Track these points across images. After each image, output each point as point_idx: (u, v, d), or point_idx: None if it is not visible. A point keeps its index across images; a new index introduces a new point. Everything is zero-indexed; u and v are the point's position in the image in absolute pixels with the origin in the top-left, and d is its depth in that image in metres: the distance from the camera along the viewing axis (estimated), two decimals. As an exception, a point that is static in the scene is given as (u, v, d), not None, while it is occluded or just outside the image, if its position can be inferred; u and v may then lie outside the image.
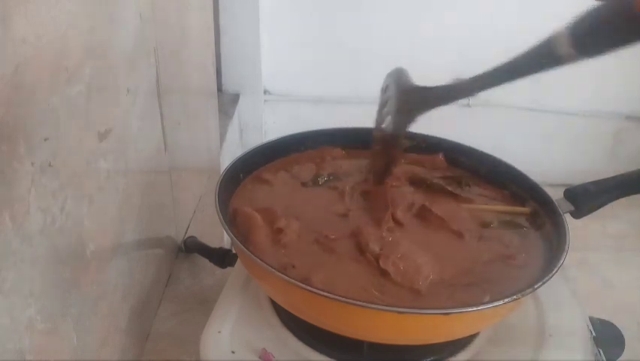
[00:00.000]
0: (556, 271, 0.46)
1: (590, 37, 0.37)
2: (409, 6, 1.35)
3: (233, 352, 0.50)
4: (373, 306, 0.42)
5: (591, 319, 0.58)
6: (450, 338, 0.50)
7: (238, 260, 0.62)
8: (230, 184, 0.58)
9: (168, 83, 0.69)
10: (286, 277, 0.44)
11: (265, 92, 1.46)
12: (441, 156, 0.66)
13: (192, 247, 0.80)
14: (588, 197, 0.58)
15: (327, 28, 1.39)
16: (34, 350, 0.38)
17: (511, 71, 0.45)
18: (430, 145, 0.67)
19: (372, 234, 0.51)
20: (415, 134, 0.68)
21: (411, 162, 0.66)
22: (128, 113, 0.56)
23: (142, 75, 0.60)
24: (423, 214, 0.56)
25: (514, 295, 0.44)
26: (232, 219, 0.54)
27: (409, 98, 0.51)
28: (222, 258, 0.75)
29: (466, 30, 1.37)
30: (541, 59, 0.40)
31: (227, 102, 1.35)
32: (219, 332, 0.52)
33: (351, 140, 0.68)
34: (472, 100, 1.46)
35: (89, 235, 0.47)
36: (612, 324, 0.62)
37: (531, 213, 0.58)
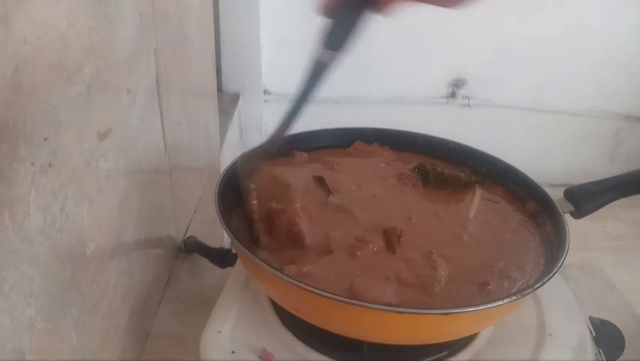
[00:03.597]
0: (557, 271, 0.46)
1: (333, 35, 0.48)
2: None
3: (233, 352, 0.50)
4: (373, 306, 0.42)
5: (591, 319, 0.58)
6: (450, 338, 0.50)
7: (238, 260, 0.62)
8: (231, 184, 0.58)
9: (168, 83, 0.69)
10: (286, 277, 0.44)
11: (265, 92, 1.46)
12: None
13: (192, 247, 0.80)
14: (588, 197, 0.58)
15: (327, 28, 1.39)
16: (34, 350, 0.38)
17: (304, 94, 0.53)
18: (430, 145, 0.67)
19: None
20: (416, 134, 0.68)
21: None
22: (128, 113, 0.56)
23: (142, 75, 0.60)
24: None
25: (514, 295, 0.44)
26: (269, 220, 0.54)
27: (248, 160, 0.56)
28: (222, 258, 0.75)
29: (467, 31, 1.37)
30: (316, 73, 0.51)
31: (227, 102, 1.35)
32: (219, 332, 0.52)
33: (351, 140, 0.68)
34: (471, 100, 1.47)
35: (89, 235, 0.47)
36: (612, 324, 0.62)
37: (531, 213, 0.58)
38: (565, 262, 0.48)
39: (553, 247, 0.52)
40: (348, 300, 0.42)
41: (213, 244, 0.78)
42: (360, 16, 0.46)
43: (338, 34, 0.47)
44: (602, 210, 0.59)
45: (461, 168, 0.65)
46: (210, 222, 0.87)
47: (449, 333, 0.48)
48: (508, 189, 0.62)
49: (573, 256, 0.50)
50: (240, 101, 1.40)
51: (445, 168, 0.64)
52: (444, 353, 0.51)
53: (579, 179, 0.63)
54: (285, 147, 0.65)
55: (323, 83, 0.51)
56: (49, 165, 0.38)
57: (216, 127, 1.07)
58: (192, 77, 0.87)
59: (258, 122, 1.47)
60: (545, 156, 1.52)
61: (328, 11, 0.46)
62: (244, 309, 0.55)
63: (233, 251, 0.74)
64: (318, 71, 0.50)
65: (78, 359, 0.46)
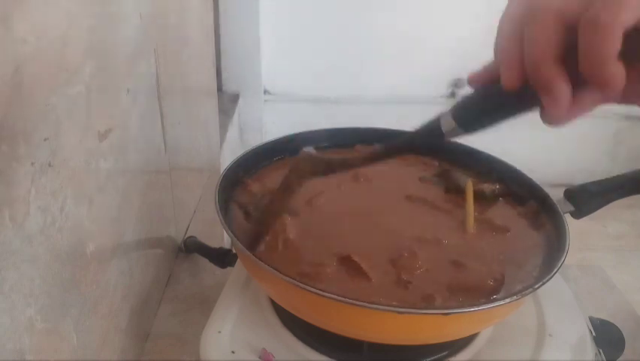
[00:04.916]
0: (557, 271, 0.46)
1: (471, 118, 0.41)
2: (410, 6, 1.35)
3: (233, 352, 0.50)
4: (373, 306, 0.42)
5: (591, 319, 0.58)
6: (450, 338, 0.50)
7: (238, 260, 0.62)
8: (231, 184, 0.58)
9: (168, 83, 0.69)
10: (286, 277, 0.44)
11: (265, 92, 1.46)
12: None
13: (192, 247, 0.80)
14: (588, 197, 0.58)
15: (327, 29, 1.39)
16: (34, 349, 0.38)
17: (402, 147, 0.49)
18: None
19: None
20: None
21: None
22: (128, 113, 0.56)
23: (142, 75, 0.60)
24: None
25: (514, 295, 0.44)
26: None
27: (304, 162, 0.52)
28: (222, 258, 0.75)
29: (466, 31, 1.37)
30: (430, 136, 0.44)
31: (227, 102, 1.35)
32: (219, 332, 0.52)
33: (351, 140, 0.68)
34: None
35: (89, 235, 0.47)
36: (612, 324, 0.62)
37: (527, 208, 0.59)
38: (565, 262, 0.47)
39: (553, 247, 0.52)
40: (348, 300, 0.42)
41: (213, 244, 0.78)
42: (508, 110, 0.38)
43: (475, 115, 0.40)
44: (602, 210, 0.58)
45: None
46: (210, 222, 0.87)
47: (449, 333, 0.48)
48: (509, 189, 0.62)
49: (573, 256, 0.50)
50: (240, 101, 1.40)
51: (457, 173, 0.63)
52: (444, 353, 0.51)
53: (579, 179, 0.63)
54: (284, 147, 0.65)
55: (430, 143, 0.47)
56: (49, 165, 0.38)
57: (216, 127, 1.07)
58: (192, 77, 0.87)
59: (257, 122, 1.47)
60: (545, 156, 1.52)
61: (474, 84, 0.40)
62: (244, 309, 0.55)
63: (233, 251, 0.74)
64: (433, 135, 0.42)
65: (78, 359, 0.46)
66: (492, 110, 0.39)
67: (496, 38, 0.38)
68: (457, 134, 0.41)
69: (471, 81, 0.41)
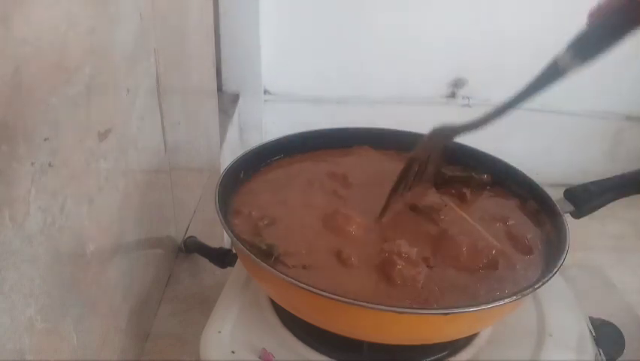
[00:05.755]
0: (557, 271, 0.46)
1: (588, 44, 0.46)
2: (410, 6, 1.35)
3: (233, 352, 0.50)
4: (373, 306, 0.42)
5: (591, 319, 0.58)
6: (450, 338, 0.50)
7: (238, 260, 0.62)
8: (230, 184, 0.58)
9: (168, 83, 0.69)
10: (286, 277, 0.44)
11: (265, 92, 1.46)
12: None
13: (192, 247, 0.80)
14: (588, 197, 0.58)
15: (327, 29, 1.39)
16: (34, 349, 0.38)
17: (525, 94, 0.53)
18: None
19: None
20: (416, 134, 0.68)
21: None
22: (128, 113, 0.56)
23: (142, 75, 0.60)
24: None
25: (514, 295, 0.44)
26: None
27: (437, 130, 0.58)
28: (222, 258, 0.75)
29: (467, 31, 1.37)
30: (547, 77, 0.49)
31: (227, 102, 1.35)
32: (219, 332, 0.52)
33: (351, 140, 0.68)
34: (471, 100, 1.47)
35: (89, 235, 0.47)
36: (612, 324, 0.62)
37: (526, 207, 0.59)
38: (565, 262, 0.48)
39: (553, 247, 0.52)
40: (348, 300, 0.42)
41: (213, 244, 0.78)
42: (625, 32, 0.45)
43: (594, 44, 0.46)
44: (601, 210, 0.58)
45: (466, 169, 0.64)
46: (210, 222, 0.87)
47: (449, 333, 0.48)
48: (509, 189, 0.62)
49: (573, 256, 0.50)
50: (240, 101, 1.40)
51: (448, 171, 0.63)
52: (444, 353, 0.51)
53: (579, 179, 0.63)
54: (284, 147, 0.65)
55: (549, 88, 0.50)
56: (49, 165, 0.38)
57: (216, 127, 1.07)
58: (192, 77, 0.87)
59: (258, 122, 1.47)
60: (545, 156, 1.52)
61: (593, 18, 0.46)
62: (244, 309, 0.55)
63: (234, 251, 0.74)
64: (552, 75, 0.48)
65: (78, 359, 0.46)
66: (610, 34, 0.45)
67: None
68: (574, 67, 0.46)
69: (591, 15, 0.46)
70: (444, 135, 0.57)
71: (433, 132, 0.58)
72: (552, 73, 0.48)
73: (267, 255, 0.48)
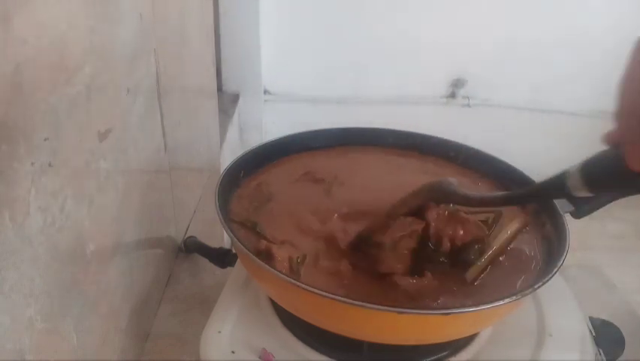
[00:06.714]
0: (557, 271, 0.46)
1: (601, 180, 0.40)
2: (410, 7, 1.35)
3: (233, 352, 0.50)
4: (373, 306, 0.42)
5: (591, 319, 0.58)
6: (450, 338, 0.50)
7: (238, 260, 0.62)
8: (230, 184, 0.58)
9: (168, 83, 0.69)
10: (286, 277, 0.44)
11: (265, 92, 1.47)
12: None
13: (192, 247, 0.80)
14: (588, 197, 0.58)
15: (327, 29, 1.39)
16: (34, 349, 0.38)
17: (522, 198, 0.52)
18: (429, 145, 0.67)
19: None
20: (416, 134, 0.68)
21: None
22: (128, 113, 0.56)
23: (142, 75, 0.60)
24: None
25: (514, 295, 0.44)
26: None
27: (434, 188, 0.52)
28: (222, 258, 0.75)
29: (467, 31, 1.37)
30: (552, 192, 0.46)
31: (227, 102, 1.35)
32: (219, 332, 0.52)
33: (350, 140, 0.68)
34: (471, 100, 1.47)
35: (89, 235, 0.47)
36: (612, 324, 0.62)
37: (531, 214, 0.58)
38: (565, 262, 0.47)
39: (553, 247, 0.52)
40: (348, 300, 0.42)
41: (213, 244, 0.78)
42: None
43: (606, 175, 0.40)
44: (601, 210, 0.58)
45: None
46: (210, 222, 0.87)
47: (449, 333, 0.48)
48: (509, 190, 0.62)
49: (573, 256, 0.50)
50: (240, 101, 1.40)
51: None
52: (444, 353, 0.51)
53: (579, 179, 0.63)
54: (285, 147, 0.65)
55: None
56: (49, 165, 0.38)
57: (216, 127, 1.07)
58: (192, 77, 0.87)
59: (257, 122, 1.47)
60: (545, 156, 1.52)
61: (611, 142, 0.38)
62: (244, 309, 0.55)
63: (234, 251, 0.74)
64: (557, 190, 0.44)
65: (78, 359, 0.46)
66: (625, 174, 0.36)
67: (620, 104, 0.35)
68: (581, 192, 0.41)
69: (607, 140, 0.38)
70: (443, 193, 0.52)
71: (434, 185, 0.53)
72: (559, 188, 0.43)
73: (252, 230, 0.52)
